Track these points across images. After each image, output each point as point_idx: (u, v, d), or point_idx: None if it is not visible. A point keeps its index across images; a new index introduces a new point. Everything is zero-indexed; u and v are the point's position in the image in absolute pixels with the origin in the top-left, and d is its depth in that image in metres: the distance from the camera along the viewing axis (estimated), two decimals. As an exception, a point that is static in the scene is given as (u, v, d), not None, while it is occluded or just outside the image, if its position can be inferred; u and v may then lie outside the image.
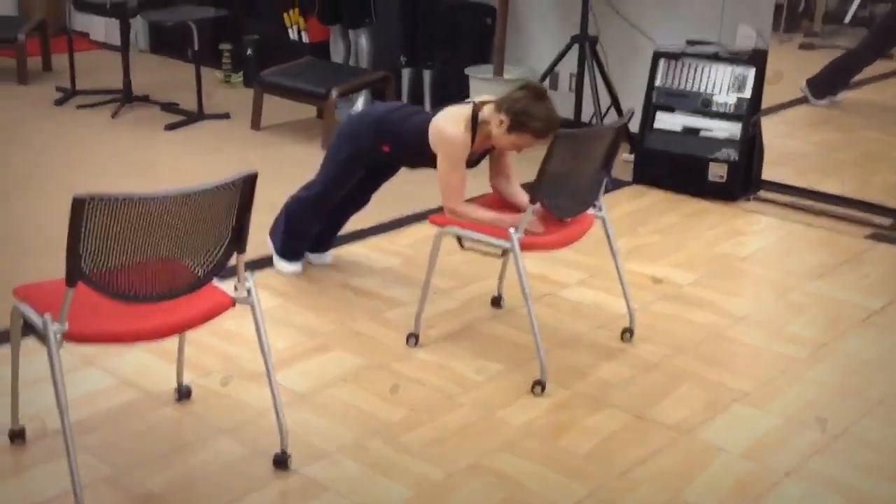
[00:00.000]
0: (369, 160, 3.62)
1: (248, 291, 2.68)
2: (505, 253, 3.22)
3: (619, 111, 5.63)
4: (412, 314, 3.62)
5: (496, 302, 3.76)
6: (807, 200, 5.00)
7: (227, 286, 2.67)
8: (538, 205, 3.10)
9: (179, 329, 2.57)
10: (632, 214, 4.82)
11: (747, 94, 5.05)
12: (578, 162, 3.12)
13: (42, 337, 2.45)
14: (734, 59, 5.08)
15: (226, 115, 6.25)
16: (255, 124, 6.04)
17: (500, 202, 3.42)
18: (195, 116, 6.15)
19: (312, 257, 4.06)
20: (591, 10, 5.49)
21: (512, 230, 3.09)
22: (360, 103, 6.47)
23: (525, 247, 3.10)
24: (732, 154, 5.05)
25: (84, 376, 3.12)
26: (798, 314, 3.81)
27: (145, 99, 6.45)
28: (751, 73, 5.04)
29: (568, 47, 5.51)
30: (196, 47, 6.05)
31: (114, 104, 6.31)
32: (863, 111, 6.77)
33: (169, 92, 6.68)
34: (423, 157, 3.34)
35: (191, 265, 2.53)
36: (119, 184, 4.95)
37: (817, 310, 3.84)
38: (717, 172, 5.09)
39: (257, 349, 3.18)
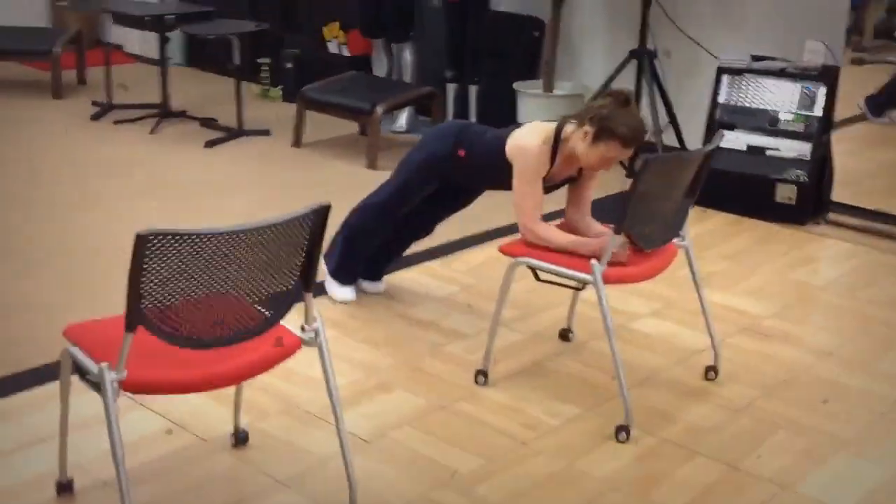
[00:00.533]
0: (443, 167, 3.41)
1: (316, 333, 2.47)
2: (585, 286, 2.98)
3: (677, 129, 5.40)
4: (475, 348, 3.41)
5: (564, 335, 3.53)
6: (881, 224, 4.74)
7: (292, 325, 2.47)
8: (622, 234, 2.87)
9: (246, 375, 2.36)
10: (696, 239, 4.57)
11: (817, 111, 4.80)
12: (666, 188, 2.89)
13: (96, 385, 2.25)
14: (803, 75, 4.84)
15: (266, 132, 6.06)
16: (297, 141, 5.85)
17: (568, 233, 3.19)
18: (235, 133, 5.97)
19: (366, 285, 3.85)
20: (648, 24, 5.27)
21: (594, 262, 2.85)
22: (402, 120, 6.26)
23: (608, 280, 2.87)
24: (802, 175, 4.81)
25: (133, 419, 2.90)
26: (888, 350, 3.55)
27: (183, 114, 6.27)
28: (821, 90, 4.80)
29: (626, 62, 5.28)
30: (237, 62, 5.87)
31: (151, 119, 6.14)
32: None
33: (206, 107, 6.51)
34: (497, 170, 3.12)
35: (258, 305, 2.32)
36: (161, 206, 4.77)
37: (908, 345, 3.60)
38: (785, 194, 4.84)
39: (315, 388, 3.02)
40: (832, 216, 4.90)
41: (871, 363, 3.44)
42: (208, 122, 6.16)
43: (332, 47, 6.91)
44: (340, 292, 3.76)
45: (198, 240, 2.11)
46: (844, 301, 3.98)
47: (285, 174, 5.37)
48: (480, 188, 3.56)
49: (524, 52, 6.16)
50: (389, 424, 2.98)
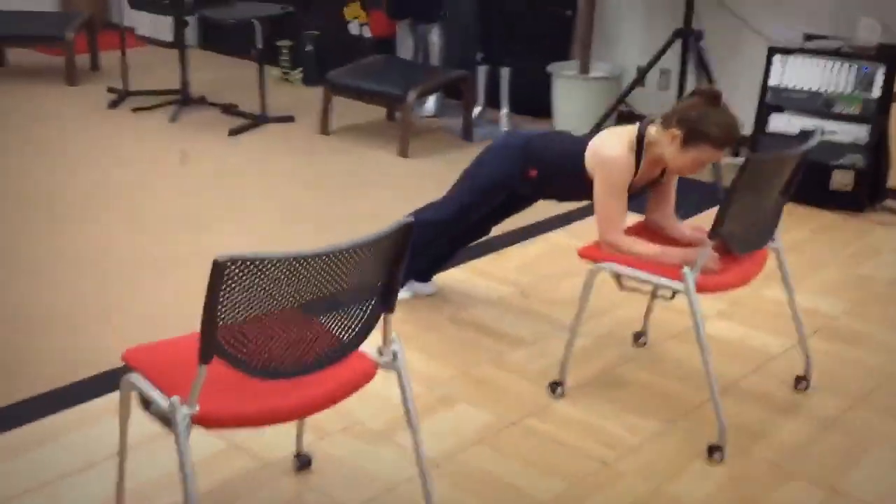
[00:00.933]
0: (512, 188, 3.19)
1: (394, 355, 2.28)
2: (674, 295, 2.78)
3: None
4: (536, 355, 3.24)
5: (637, 338, 3.34)
6: (942, 211, 4.56)
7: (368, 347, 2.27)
8: (714, 240, 2.67)
9: (325, 405, 2.16)
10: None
11: (875, 93, 4.58)
12: (764, 189, 2.69)
13: (163, 417, 2.05)
14: (860, 54, 4.62)
15: (290, 118, 5.83)
16: (324, 128, 5.62)
17: (649, 233, 2.99)
18: (259, 119, 5.74)
19: (417, 287, 3.64)
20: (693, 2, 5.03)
21: (686, 269, 2.65)
22: (430, 104, 6.04)
23: (701, 288, 2.67)
24: (859, 160, 4.60)
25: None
26: (973, 351, 3.37)
27: (202, 101, 6.04)
28: (880, 70, 4.58)
29: (670, 42, 5.05)
30: (260, 45, 5.63)
31: (170, 106, 5.91)
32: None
33: (224, 92, 6.28)
34: (576, 183, 2.90)
35: (337, 330, 2.12)
36: (195, 203, 4.55)
37: None
38: (841, 181, 4.64)
39: (375, 403, 2.88)
40: (890, 203, 4.71)
41: (958, 366, 3.26)
42: (229, 109, 5.94)
43: (353, 28, 6.67)
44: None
45: (279, 264, 1.90)
46: (918, 297, 3.79)
47: (317, 164, 5.15)
48: (551, 199, 3.33)
49: (555, 32, 5.93)
50: (459, 444, 2.79)
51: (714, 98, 2.70)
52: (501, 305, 3.65)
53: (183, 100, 5.92)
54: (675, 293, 2.74)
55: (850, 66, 4.64)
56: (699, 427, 2.86)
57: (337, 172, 5.01)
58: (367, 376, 2.24)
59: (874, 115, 4.59)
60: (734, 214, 2.60)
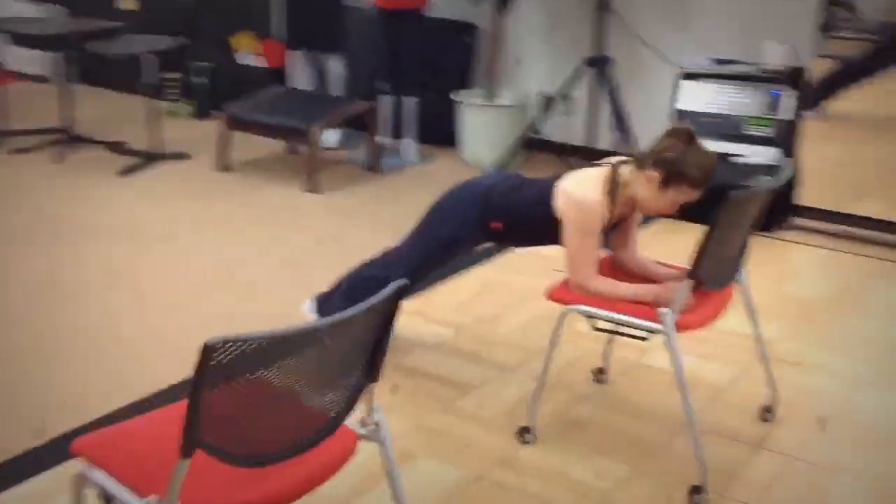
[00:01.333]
0: (473, 241, 3.06)
1: (377, 425, 2.12)
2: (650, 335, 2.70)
3: (628, 136, 5.20)
4: (490, 399, 3.13)
5: (597, 375, 3.26)
6: (848, 227, 4.67)
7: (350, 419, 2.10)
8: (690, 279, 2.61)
9: (311, 487, 1.97)
10: (671, 254, 4.37)
11: (785, 115, 4.67)
12: (738, 225, 2.66)
13: (130, 517, 1.83)
14: (769, 78, 4.70)
15: (185, 155, 5.54)
16: (223, 164, 5.37)
17: (615, 269, 2.92)
18: (151, 157, 5.43)
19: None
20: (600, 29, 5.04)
21: (665, 309, 2.58)
22: (333, 135, 5.85)
23: (679, 327, 2.60)
24: (770, 182, 4.67)
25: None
26: (911, 369, 3.43)
27: (87, 139, 5.69)
28: (788, 92, 4.67)
29: (581, 69, 5.03)
30: (153, 80, 5.33)
31: (54, 146, 5.53)
32: (857, 122, 6.48)
33: (111, 129, 5.94)
34: (545, 229, 2.78)
35: (324, 406, 1.94)
36: (93, 254, 4.23)
37: (929, 362, 3.48)
38: (755, 202, 4.69)
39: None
40: (796, 220, 4.81)
41: (902, 387, 3.30)
42: (117, 147, 5.61)
43: (242, 59, 6.43)
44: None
45: (272, 343, 1.71)
46: (849, 317, 3.84)
47: (221, 204, 4.89)
48: (512, 246, 3.21)
49: (456, 59, 5.85)
50: (428, 505, 2.64)
51: (690, 137, 2.65)
52: (443, 349, 3.51)
53: (67, 139, 5.56)
54: (651, 333, 2.66)
55: (758, 89, 4.72)
56: (669, 467, 2.79)
57: (245, 212, 4.78)
58: (350, 450, 2.06)
59: (784, 137, 4.67)
60: (712, 252, 2.54)
